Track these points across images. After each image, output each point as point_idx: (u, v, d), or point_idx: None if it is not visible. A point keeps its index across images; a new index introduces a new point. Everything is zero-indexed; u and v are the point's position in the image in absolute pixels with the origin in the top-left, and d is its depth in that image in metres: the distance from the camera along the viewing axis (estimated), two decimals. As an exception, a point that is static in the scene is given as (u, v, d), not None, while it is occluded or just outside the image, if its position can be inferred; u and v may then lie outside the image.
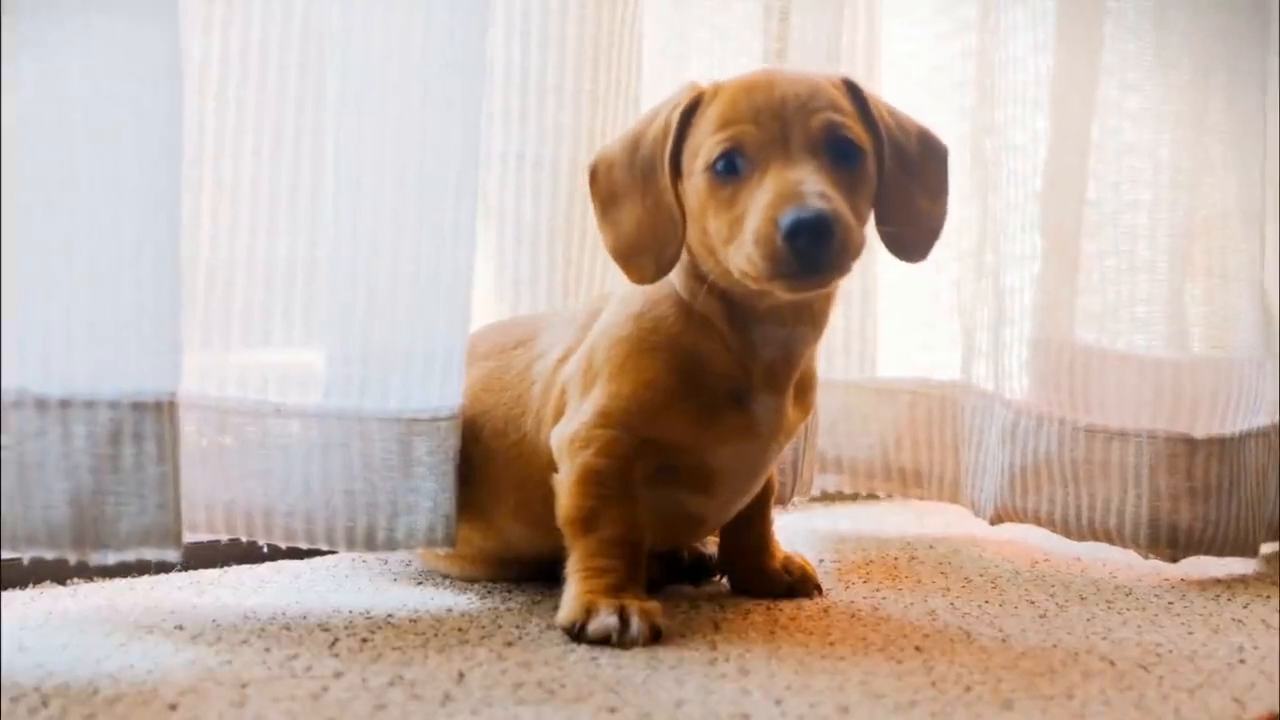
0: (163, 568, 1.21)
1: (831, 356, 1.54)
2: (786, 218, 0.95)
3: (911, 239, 1.09)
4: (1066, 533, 1.39)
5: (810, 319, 1.09)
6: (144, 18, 0.97)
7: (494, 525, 1.16)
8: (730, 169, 1.01)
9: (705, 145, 1.03)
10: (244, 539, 1.13)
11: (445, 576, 1.24)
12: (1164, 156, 1.39)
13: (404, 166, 1.10)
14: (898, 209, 1.07)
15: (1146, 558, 1.37)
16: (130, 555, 0.97)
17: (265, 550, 1.24)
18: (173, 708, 0.84)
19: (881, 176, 1.06)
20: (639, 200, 1.07)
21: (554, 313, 1.24)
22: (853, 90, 1.07)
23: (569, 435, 1.08)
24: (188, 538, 1.17)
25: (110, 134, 0.96)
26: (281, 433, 1.11)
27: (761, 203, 0.98)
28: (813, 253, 0.96)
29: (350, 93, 1.11)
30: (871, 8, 1.53)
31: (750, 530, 1.20)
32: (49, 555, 0.96)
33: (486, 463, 1.15)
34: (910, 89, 1.56)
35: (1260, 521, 1.39)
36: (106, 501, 0.96)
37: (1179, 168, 1.39)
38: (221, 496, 1.11)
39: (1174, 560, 1.36)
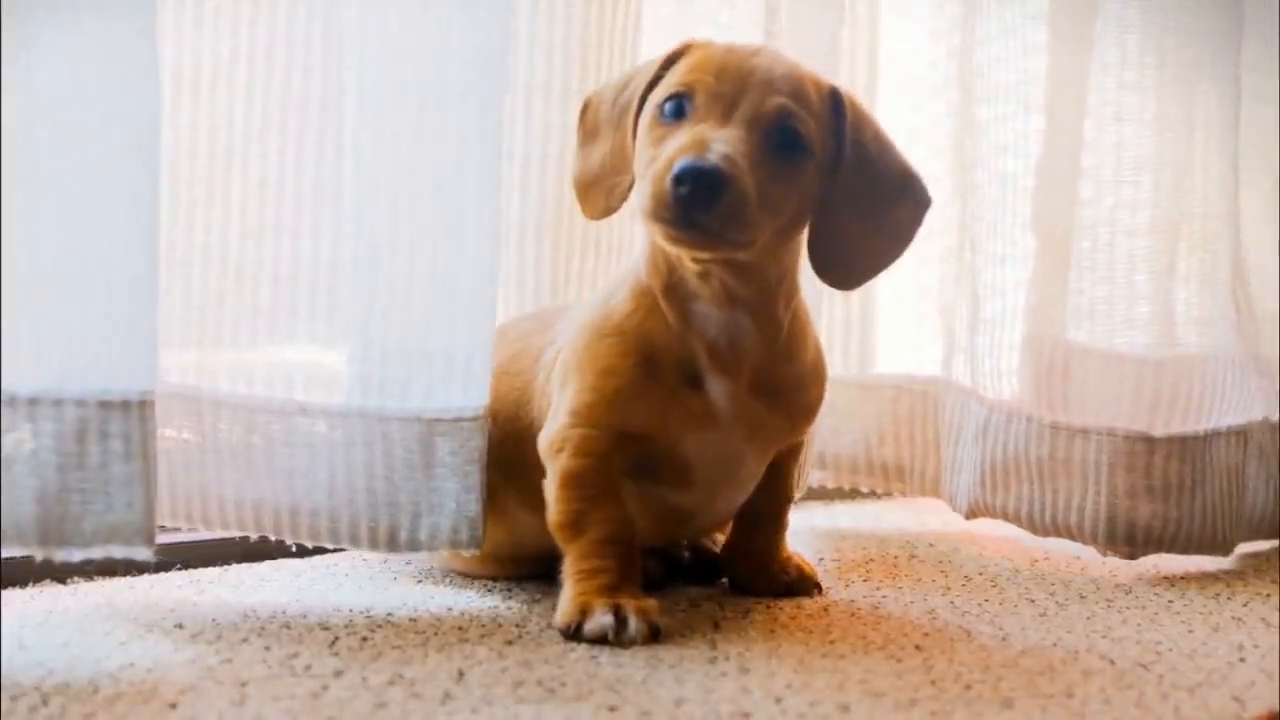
0: (162, 566, 1.21)
1: (831, 353, 1.54)
2: (679, 163, 0.96)
3: (844, 264, 1.09)
4: (1032, 529, 1.40)
5: (746, 307, 1.07)
6: (121, 19, 0.97)
7: (508, 513, 1.16)
8: (676, 113, 1.02)
9: (664, 86, 1.04)
10: (271, 537, 1.13)
11: (450, 573, 1.24)
12: (1147, 155, 1.39)
13: (424, 165, 1.11)
14: (843, 230, 1.06)
15: (1105, 555, 1.38)
16: (97, 553, 0.97)
17: (266, 548, 1.24)
18: (173, 706, 0.84)
19: (835, 190, 1.05)
20: (610, 137, 1.09)
21: (574, 305, 1.24)
22: (834, 100, 1.06)
23: (549, 439, 1.09)
24: (215, 534, 1.19)
25: (82, 133, 0.96)
26: (307, 431, 1.12)
27: (671, 147, 0.99)
28: (692, 204, 0.96)
29: (370, 92, 1.11)
30: (871, 3, 1.53)
31: (758, 531, 1.20)
32: (15, 553, 0.96)
33: (501, 445, 1.15)
34: (909, 86, 1.56)
35: (1231, 520, 1.39)
36: (72, 499, 0.96)
37: (1162, 166, 1.39)
38: (249, 494, 1.12)
39: (1132, 558, 1.36)
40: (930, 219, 1.51)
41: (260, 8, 1.12)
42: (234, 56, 1.12)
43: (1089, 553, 1.42)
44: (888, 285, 1.58)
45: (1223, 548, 1.39)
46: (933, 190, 1.52)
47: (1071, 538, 1.38)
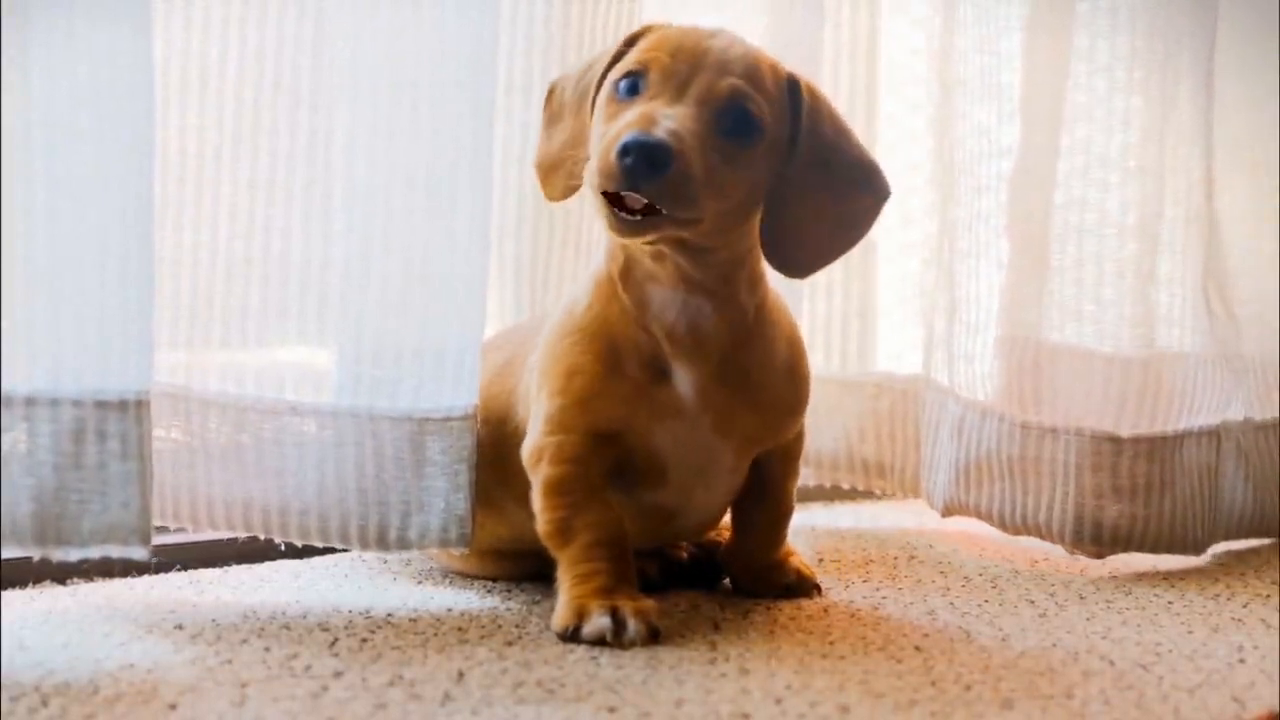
0: (162, 567, 1.21)
1: (813, 351, 1.54)
2: (626, 136, 0.96)
3: (793, 250, 1.08)
4: (1003, 527, 1.41)
5: (704, 291, 1.06)
6: (114, 20, 0.97)
7: (504, 511, 1.16)
8: (631, 91, 1.02)
9: (620, 65, 1.04)
10: (261, 536, 1.13)
11: (450, 574, 1.24)
12: (1121, 158, 1.40)
13: (415, 164, 1.11)
14: (794, 215, 1.06)
15: (1072, 554, 1.39)
16: (94, 553, 0.97)
17: (265, 549, 1.24)
18: (172, 707, 0.84)
19: (788, 177, 1.05)
20: (572, 119, 1.09)
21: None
22: (791, 86, 1.06)
23: (529, 449, 1.09)
24: (214, 535, 1.19)
25: (78, 134, 0.96)
26: (297, 431, 1.12)
27: (621, 122, 0.99)
28: (636, 175, 0.95)
29: (362, 91, 1.11)
30: (859, 6, 1.53)
31: (758, 534, 1.19)
32: (13, 553, 0.96)
33: (496, 447, 1.15)
34: (908, 89, 1.56)
35: (1203, 520, 1.40)
36: (69, 499, 0.96)
37: (1136, 169, 1.40)
38: (239, 494, 1.12)
39: (1099, 557, 1.37)
40: (925, 224, 1.53)
41: (250, 8, 1.12)
42: (223, 56, 1.12)
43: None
44: (886, 286, 1.59)
45: (1194, 547, 1.39)
46: (924, 195, 1.54)
47: (1041, 536, 1.39)
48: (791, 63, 1.13)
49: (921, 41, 1.55)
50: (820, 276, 1.51)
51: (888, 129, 1.56)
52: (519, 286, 1.35)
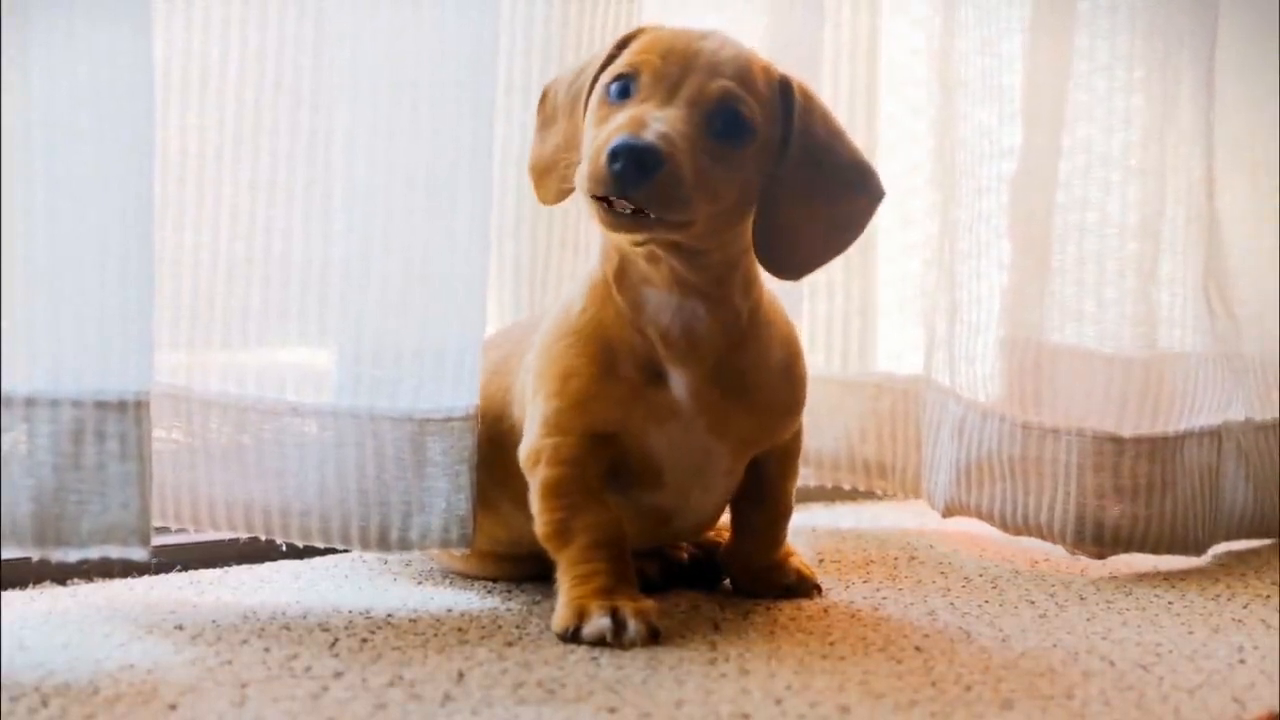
0: (162, 568, 1.21)
1: (814, 351, 1.54)
2: (615, 140, 0.96)
3: (786, 252, 1.07)
4: (1004, 527, 1.41)
5: (698, 294, 1.06)
6: (114, 20, 0.97)
7: (501, 512, 1.16)
8: (622, 93, 1.02)
9: (612, 68, 1.04)
10: (262, 537, 1.14)
11: (451, 574, 1.24)
12: (1122, 158, 1.40)
13: (415, 164, 1.11)
14: (786, 217, 1.06)
15: (1073, 554, 1.39)
16: (93, 553, 0.97)
17: (266, 550, 1.24)
18: (173, 707, 0.84)
19: (780, 178, 1.04)
20: (565, 122, 1.09)
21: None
22: (784, 88, 1.06)
23: (526, 452, 1.09)
24: (214, 535, 1.19)
25: (78, 134, 0.96)
26: (297, 432, 1.12)
27: (612, 125, 0.99)
28: (625, 180, 0.95)
29: (362, 91, 1.11)
30: (859, 6, 1.53)
31: (758, 535, 1.19)
32: (12, 553, 0.96)
33: (492, 446, 1.15)
34: (908, 89, 1.56)
35: (1204, 520, 1.40)
36: (69, 500, 0.96)
37: (1138, 169, 1.40)
38: (240, 494, 1.12)
39: (1100, 557, 1.38)
40: (926, 225, 1.53)
41: (250, 8, 1.12)
42: (224, 57, 1.12)
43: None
44: (887, 287, 1.59)
45: (1195, 548, 1.40)
46: (925, 195, 1.54)
47: (1042, 537, 1.39)
48: (791, 63, 1.13)
49: (922, 42, 1.54)
50: (820, 276, 1.51)
51: (888, 130, 1.56)
52: (519, 286, 1.35)
